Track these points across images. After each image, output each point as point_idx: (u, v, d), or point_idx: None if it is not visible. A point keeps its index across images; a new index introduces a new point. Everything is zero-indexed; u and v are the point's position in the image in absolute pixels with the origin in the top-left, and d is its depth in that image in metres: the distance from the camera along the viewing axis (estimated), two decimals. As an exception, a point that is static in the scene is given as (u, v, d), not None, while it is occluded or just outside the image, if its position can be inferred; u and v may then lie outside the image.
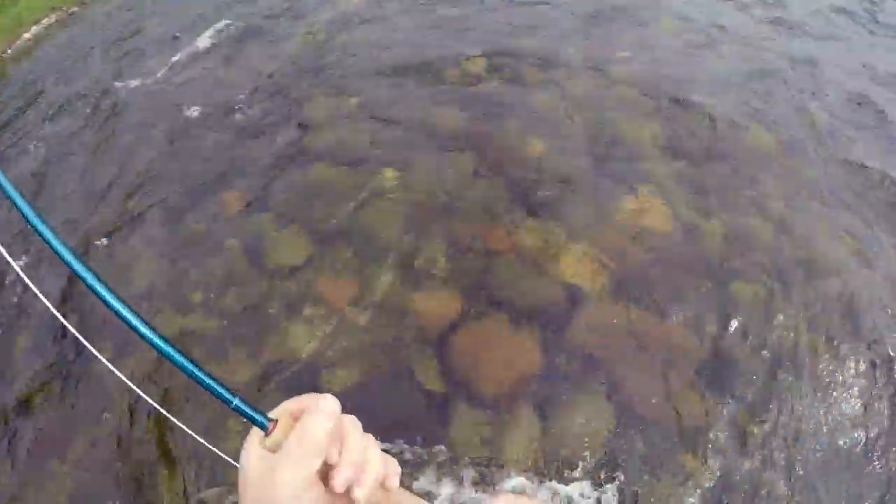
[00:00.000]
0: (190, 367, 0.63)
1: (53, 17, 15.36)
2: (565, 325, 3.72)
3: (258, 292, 4.19)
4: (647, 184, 4.63)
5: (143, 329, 0.62)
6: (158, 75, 6.79)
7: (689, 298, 3.88)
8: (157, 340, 0.63)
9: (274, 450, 0.60)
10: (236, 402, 0.63)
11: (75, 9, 11.30)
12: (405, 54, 6.76)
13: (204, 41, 7.42)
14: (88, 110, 6.40)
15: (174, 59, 7.36)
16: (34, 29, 16.08)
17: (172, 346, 0.64)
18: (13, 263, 0.75)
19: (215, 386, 0.63)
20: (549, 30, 6.93)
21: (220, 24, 7.57)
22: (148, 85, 6.70)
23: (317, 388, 3.01)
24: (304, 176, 5.17)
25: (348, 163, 5.26)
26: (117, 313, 0.62)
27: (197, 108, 5.94)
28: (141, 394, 0.88)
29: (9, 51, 14.92)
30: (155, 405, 0.90)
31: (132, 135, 5.78)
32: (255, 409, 0.63)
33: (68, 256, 0.63)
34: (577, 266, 4.00)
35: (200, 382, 0.63)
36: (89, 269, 0.63)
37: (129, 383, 0.90)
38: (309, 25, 7.46)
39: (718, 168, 4.88)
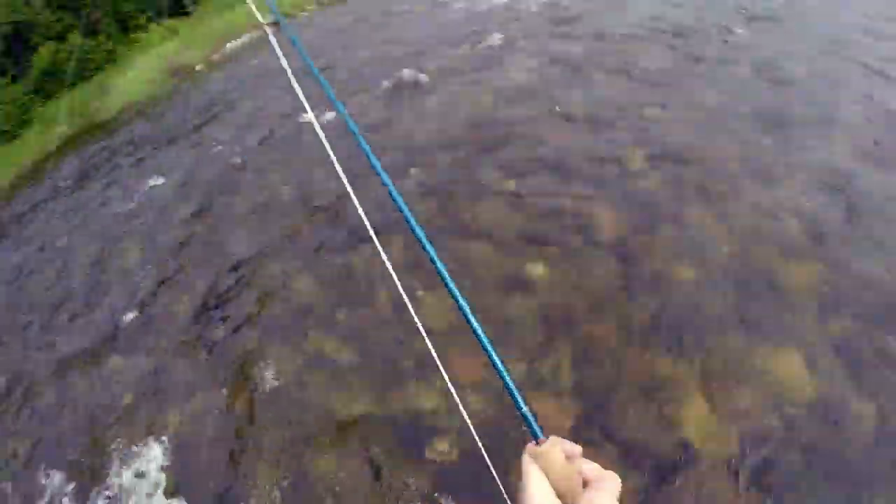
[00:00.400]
0: (501, 366, 0.86)
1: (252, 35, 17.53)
2: (670, 480, 3.71)
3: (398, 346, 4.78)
4: (795, 341, 4.39)
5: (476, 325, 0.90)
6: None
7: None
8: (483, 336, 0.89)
9: (534, 457, 0.80)
10: (525, 410, 0.83)
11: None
12: (567, 145, 6.97)
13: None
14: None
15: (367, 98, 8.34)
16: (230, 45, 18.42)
17: (495, 349, 0.88)
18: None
19: (516, 393, 0.83)
20: (720, 135, 6.70)
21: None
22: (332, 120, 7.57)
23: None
24: (463, 249, 5.68)
25: (502, 244, 5.66)
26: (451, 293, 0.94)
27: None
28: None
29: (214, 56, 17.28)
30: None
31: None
32: (535, 421, 0.82)
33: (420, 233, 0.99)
34: (699, 421, 3.95)
35: (506, 385, 0.84)
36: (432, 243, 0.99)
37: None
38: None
39: (886, 339, 4.46)
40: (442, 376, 1.40)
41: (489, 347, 0.88)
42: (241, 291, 6.30)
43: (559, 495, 0.77)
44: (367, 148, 1.13)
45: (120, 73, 21.28)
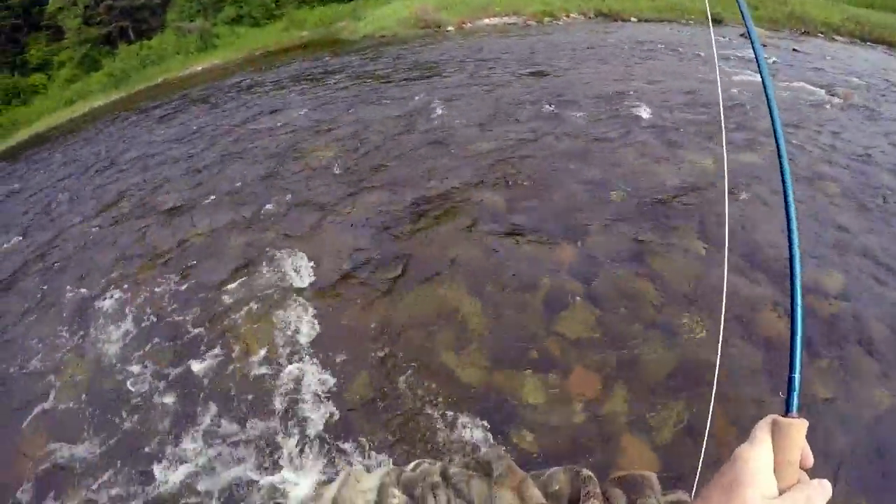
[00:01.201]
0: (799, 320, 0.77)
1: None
2: None
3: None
4: None
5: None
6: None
7: None
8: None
9: (777, 428, 0.71)
10: (797, 374, 0.74)
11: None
12: None
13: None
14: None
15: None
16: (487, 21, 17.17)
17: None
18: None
19: (800, 351, 0.75)
20: None
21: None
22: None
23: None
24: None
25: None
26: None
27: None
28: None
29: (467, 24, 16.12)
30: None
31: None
32: (796, 394, 0.73)
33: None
34: None
35: (794, 340, 0.76)
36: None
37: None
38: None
39: None
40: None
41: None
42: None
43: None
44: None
45: (375, 4, 21.49)
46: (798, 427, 0.70)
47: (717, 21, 17.51)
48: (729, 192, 5.14)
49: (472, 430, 3.32)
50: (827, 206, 5.28)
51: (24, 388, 4.38)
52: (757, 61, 1.14)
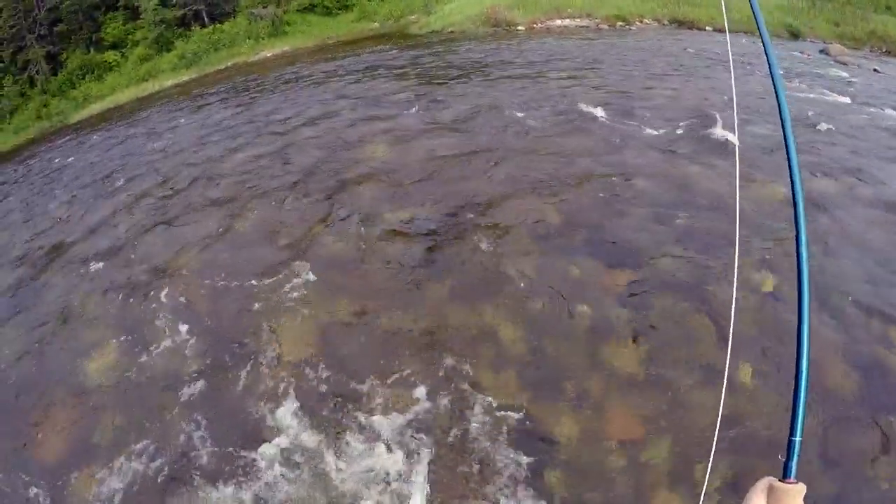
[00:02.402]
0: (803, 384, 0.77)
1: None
2: None
3: None
4: None
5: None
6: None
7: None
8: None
9: (773, 492, 0.70)
10: (797, 438, 0.72)
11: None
12: None
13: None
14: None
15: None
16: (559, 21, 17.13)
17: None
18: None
19: (801, 414, 0.73)
20: None
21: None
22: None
23: None
24: None
25: None
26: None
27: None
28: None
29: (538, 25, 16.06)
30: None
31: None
32: (795, 459, 0.71)
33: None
34: None
35: (796, 403, 0.73)
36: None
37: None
38: None
39: None
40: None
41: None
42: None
43: None
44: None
45: (446, 1, 21.73)
46: (796, 493, 0.69)
47: (795, 35, 17.23)
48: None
49: (504, 462, 3.13)
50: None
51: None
52: (770, 69, 1.07)
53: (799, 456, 0.71)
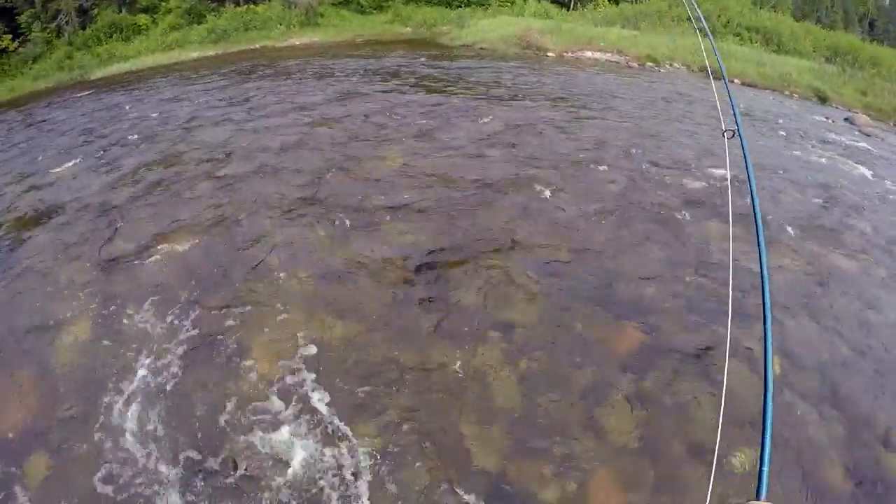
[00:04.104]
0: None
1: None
2: None
3: None
4: None
5: None
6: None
7: None
8: None
9: None
10: (766, 468, 0.86)
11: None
12: None
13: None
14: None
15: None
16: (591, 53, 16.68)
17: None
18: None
19: (768, 446, 0.86)
20: None
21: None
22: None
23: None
24: None
25: None
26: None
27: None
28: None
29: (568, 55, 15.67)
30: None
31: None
32: (766, 482, 0.85)
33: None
34: None
35: (764, 437, 0.88)
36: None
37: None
38: None
39: None
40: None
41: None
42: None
43: None
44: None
45: (482, 15, 21.73)
46: None
47: (822, 99, 17.19)
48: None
49: None
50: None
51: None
52: (736, 122, 1.19)
53: (768, 480, 0.82)
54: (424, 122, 8.76)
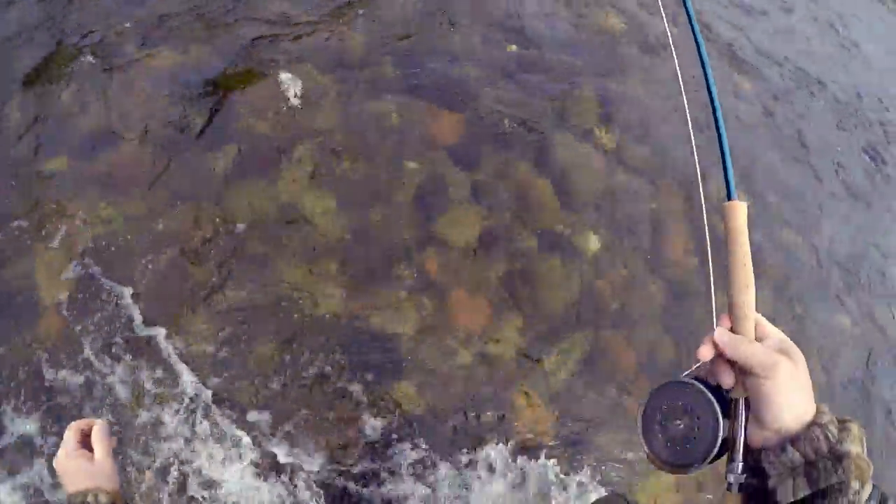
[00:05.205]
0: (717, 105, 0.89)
1: None
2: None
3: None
4: None
5: None
6: None
7: None
8: None
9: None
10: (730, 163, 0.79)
11: None
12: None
13: None
14: None
15: None
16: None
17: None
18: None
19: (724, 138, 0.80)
20: None
21: None
22: None
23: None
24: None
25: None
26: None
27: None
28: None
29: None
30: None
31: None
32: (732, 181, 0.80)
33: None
34: None
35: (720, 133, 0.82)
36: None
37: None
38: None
39: None
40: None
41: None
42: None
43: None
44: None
45: None
46: (740, 208, 0.74)
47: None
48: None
49: (340, 381, 2.61)
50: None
51: None
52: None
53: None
54: None
